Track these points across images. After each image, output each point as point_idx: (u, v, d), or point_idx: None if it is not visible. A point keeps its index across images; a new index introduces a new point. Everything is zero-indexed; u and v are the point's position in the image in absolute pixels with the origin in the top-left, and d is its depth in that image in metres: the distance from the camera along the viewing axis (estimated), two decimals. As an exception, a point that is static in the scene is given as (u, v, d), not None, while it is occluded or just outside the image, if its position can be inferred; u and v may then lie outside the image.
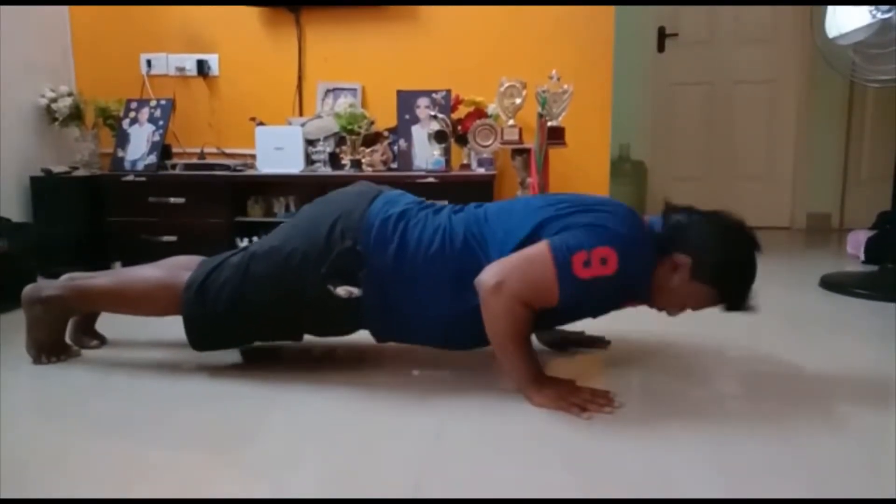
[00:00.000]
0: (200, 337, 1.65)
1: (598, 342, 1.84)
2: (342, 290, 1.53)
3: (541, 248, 1.41)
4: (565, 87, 2.53)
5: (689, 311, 1.54)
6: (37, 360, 1.72)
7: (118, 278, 1.75)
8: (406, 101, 2.97)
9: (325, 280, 1.54)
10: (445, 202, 1.68)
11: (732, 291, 1.47)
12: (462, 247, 1.51)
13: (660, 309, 1.55)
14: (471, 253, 1.49)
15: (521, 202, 1.60)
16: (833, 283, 2.58)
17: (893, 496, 1.08)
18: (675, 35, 4.26)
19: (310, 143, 3.00)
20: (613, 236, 1.40)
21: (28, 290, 1.72)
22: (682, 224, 1.47)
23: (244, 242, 2.89)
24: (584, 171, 3.07)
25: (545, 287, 1.39)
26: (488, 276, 1.41)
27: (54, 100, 3.09)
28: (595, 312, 1.62)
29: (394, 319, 1.58)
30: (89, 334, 1.87)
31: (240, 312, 1.60)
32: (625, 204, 1.52)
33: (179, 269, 1.70)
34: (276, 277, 1.57)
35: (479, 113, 2.92)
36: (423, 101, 2.95)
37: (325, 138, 3.01)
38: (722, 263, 1.44)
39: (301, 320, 1.65)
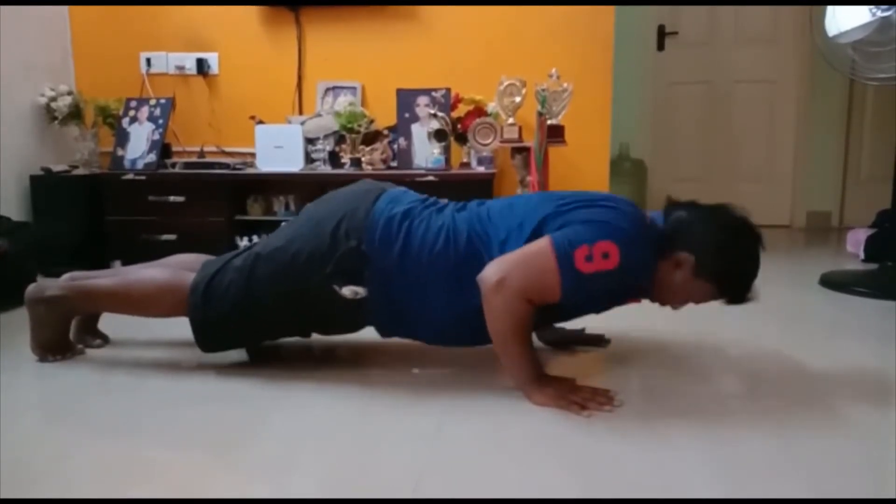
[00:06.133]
0: (207, 338, 1.65)
1: (598, 340, 1.84)
2: (347, 290, 1.54)
3: (542, 244, 1.41)
4: (565, 85, 2.52)
5: (690, 306, 1.54)
6: (42, 359, 1.73)
7: (122, 280, 1.74)
8: (406, 99, 2.96)
9: (330, 280, 1.54)
10: (446, 200, 1.68)
11: (734, 287, 1.48)
12: (466, 246, 1.51)
13: (662, 303, 1.56)
14: (474, 252, 1.49)
15: (521, 199, 1.60)
16: (833, 282, 2.58)
17: (893, 496, 1.08)
18: (675, 34, 4.26)
19: (309, 141, 3.00)
20: (615, 231, 1.40)
21: (31, 289, 1.72)
22: (684, 220, 1.48)
23: (244, 241, 2.89)
24: (583, 169, 3.07)
25: (547, 282, 1.40)
26: (490, 273, 1.41)
27: (54, 99, 3.08)
28: (597, 308, 1.62)
29: (398, 317, 1.58)
30: (92, 333, 1.87)
31: (246, 313, 1.60)
32: (626, 198, 1.52)
33: (183, 269, 1.70)
34: (282, 278, 1.57)
35: (479, 111, 2.91)
36: (422, 100, 2.95)
37: (325, 137, 3.01)
38: (724, 261, 1.45)
39: (307, 320, 1.65)
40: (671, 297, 1.53)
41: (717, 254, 1.44)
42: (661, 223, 1.49)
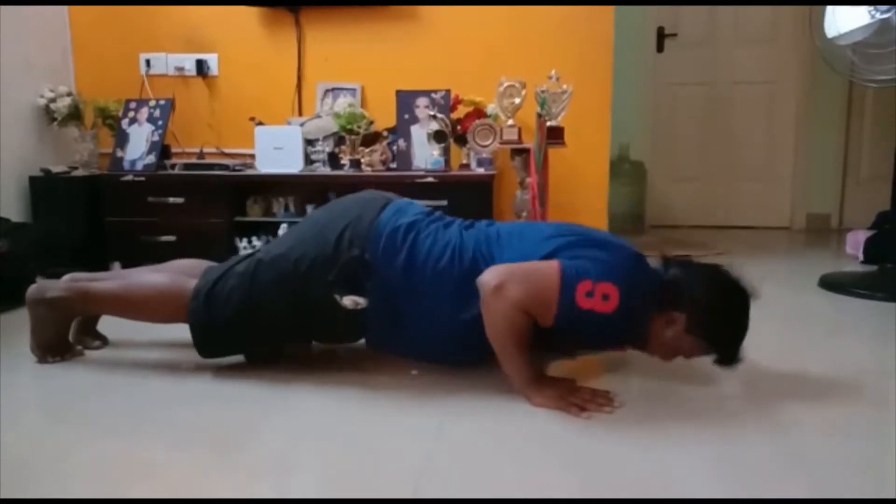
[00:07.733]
0: (208, 344, 1.66)
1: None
2: (348, 301, 1.54)
3: (551, 265, 1.42)
4: (565, 86, 2.52)
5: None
6: (42, 360, 1.73)
7: (123, 284, 1.74)
8: (405, 100, 2.96)
9: (331, 287, 1.54)
10: (452, 217, 1.68)
11: (723, 348, 1.49)
12: (470, 264, 1.51)
13: (651, 354, 1.57)
14: (477, 271, 1.49)
15: (532, 228, 1.61)
16: (832, 283, 2.58)
17: (893, 496, 1.08)
18: (675, 35, 4.26)
19: (309, 142, 3.00)
20: (622, 278, 1.41)
21: (32, 290, 1.72)
22: (679, 279, 1.49)
23: (243, 242, 2.89)
24: (583, 171, 3.07)
25: (544, 302, 1.40)
26: (490, 277, 1.42)
27: (53, 100, 3.08)
28: (588, 345, 1.62)
29: (396, 330, 1.59)
30: (91, 335, 1.87)
31: (247, 320, 1.60)
32: (633, 246, 1.53)
33: (184, 275, 1.70)
34: (284, 284, 1.57)
35: (479, 113, 2.91)
36: (422, 101, 2.95)
37: (325, 138, 3.00)
38: (714, 323, 1.46)
39: (307, 328, 1.65)
40: (661, 350, 1.54)
41: (707, 316, 1.46)
42: (662, 277, 1.51)
